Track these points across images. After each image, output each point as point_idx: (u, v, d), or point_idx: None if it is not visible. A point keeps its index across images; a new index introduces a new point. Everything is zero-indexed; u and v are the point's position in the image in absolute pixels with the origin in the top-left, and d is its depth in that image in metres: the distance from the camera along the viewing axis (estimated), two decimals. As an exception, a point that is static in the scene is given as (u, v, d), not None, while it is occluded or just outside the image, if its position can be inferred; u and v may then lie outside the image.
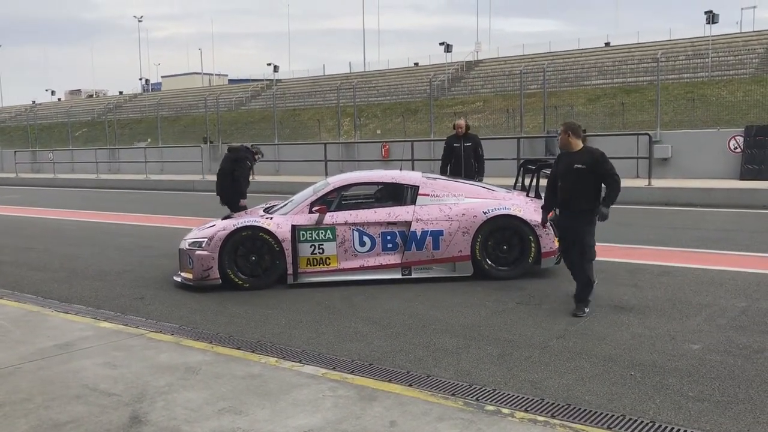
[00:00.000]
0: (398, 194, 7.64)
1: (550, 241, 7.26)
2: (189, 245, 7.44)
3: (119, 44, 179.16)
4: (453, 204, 7.46)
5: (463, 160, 10.95)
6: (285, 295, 6.98)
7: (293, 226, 7.29)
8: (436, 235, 7.31)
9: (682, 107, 31.08)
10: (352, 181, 7.91)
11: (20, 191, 25.15)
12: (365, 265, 7.36)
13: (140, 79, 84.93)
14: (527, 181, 8.55)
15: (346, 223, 7.33)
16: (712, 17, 42.58)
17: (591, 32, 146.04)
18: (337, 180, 7.97)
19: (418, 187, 7.58)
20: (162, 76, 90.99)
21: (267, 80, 62.35)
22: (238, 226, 7.27)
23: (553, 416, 3.71)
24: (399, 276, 7.35)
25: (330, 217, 7.37)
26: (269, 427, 3.60)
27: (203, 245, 7.27)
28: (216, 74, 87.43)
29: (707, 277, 7.17)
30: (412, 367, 4.66)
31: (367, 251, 7.38)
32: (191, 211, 15.39)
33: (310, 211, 7.42)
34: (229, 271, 7.21)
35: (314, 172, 21.46)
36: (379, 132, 38.72)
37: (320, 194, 7.64)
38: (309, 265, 7.34)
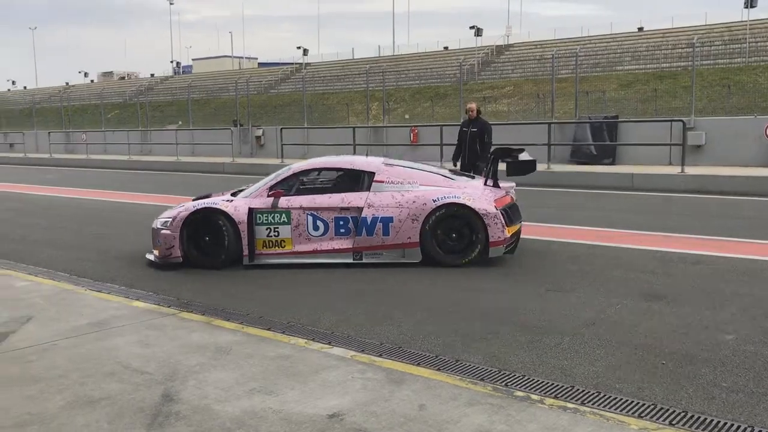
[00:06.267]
0: (356, 180, 7.73)
1: (498, 231, 7.22)
2: (159, 225, 7.73)
3: (151, 27, 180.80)
4: (406, 191, 7.48)
5: (467, 145, 10.83)
6: (316, 279, 7.02)
7: (250, 209, 7.51)
8: (386, 221, 7.36)
9: (716, 93, 30.51)
10: (312, 167, 8.16)
11: (54, 171, 25.57)
12: (318, 248, 7.53)
13: (171, 61, 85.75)
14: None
15: (300, 208, 7.51)
16: (750, 1, 41.56)
17: (624, 17, 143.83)
18: (297, 165, 8.17)
19: (374, 173, 7.66)
20: (193, 59, 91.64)
21: (296, 64, 62.49)
22: (198, 207, 7.61)
23: (583, 403, 3.68)
24: (350, 260, 7.47)
25: (286, 201, 7.56)
26: (299, 407, 3.63)
27: (167, 225, 7.60)
28: (246, 57, 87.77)
29: (741, 267, 7.04)
30: (440, 352, 4.66)
31: (321, 235, 7.52)
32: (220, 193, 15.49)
33: (268, 195, 7.62)
34: (187, 250, 7.55)
35: (343, 156, 21.46)
36: (407, 116, 38.62)
37: (279, 178, 7.84)
38: (265, 247, 7.56)
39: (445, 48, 61.37)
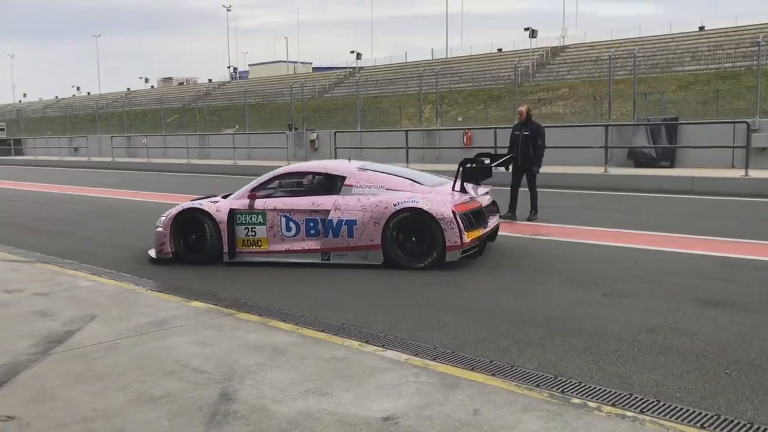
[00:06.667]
0: (330, 184, 8.06)
1: (454, 235, 7.26)
2: (157, 224, 8.43)
3: (210, 33, 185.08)
4: (372, 195, 7.69)
5: (520, 149, 10.72)
6: (369, 282, 7.05)
7: (231, 210, 8.02)
8: (351, 223, 7.59)
9: (783, 94, 29.43)
10: (292, 171, 8.67)
11: (117, 175, 26.35)
12: (291, 248, 7.89)
13: (228, 67, 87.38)
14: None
15: (275, 209, 7.93)
16: (819, -2, 39.97)
17: (684, 16, 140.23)
18: (280, 169, 8.64)
19: (345, 177, 7.93)
20: (249, 65, 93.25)
21: (350, 68, 62.94)
22: (184, 208, 8.28)
23: (642, 412, 3.60)
24: (319, 261, 7.76)
25: (263, 203, 8.00)
26: (354, 410, 3.65)
27: (162, 223, 8.31)
28: (301, 62, 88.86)
29: (810, 274, 6.78)
30: (495, 357, 4.62)
31: (293, 236, 7.89)
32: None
33: (247, 197, 8.12)
34: (176, 247, 8.21)
35: (395, 160, 21.51)
36: (460, 119, 38.48)
37: (261, 181, 8.33)
38: (244, 246, 8.06)
39: (499, 50, 60.87)
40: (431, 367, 4.29)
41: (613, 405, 3.69)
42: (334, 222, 7.64)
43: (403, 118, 38.54)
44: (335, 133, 25.04)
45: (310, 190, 8.21)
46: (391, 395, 3.83)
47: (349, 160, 8.84)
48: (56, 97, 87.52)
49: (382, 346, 4.74)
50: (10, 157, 42.71)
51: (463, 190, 7.97)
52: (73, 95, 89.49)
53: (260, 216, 7.95)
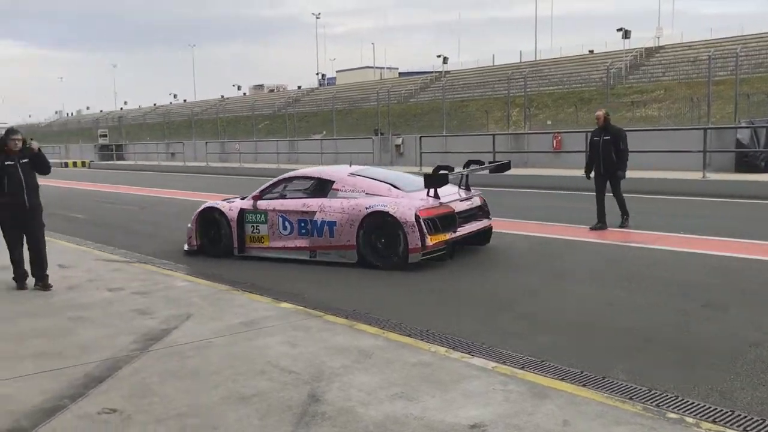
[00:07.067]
0: (322, 187, 8.68)
1: (416, 239, 7.62)
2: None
3: (299, 41, 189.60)
4: (353, 198, 8.24)
5: (601, 155, 10.33)
6: (452, 288, 7.02)
7: (241, 210, 8.91)
8: (331, 224, 8.19)
9: None
10: (293, 175, 9.40)
11: (206, 179, 27.27)
12: (286, 245, 8.61)
13: (317, 73, 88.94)
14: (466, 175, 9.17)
15: (274, 210, 8.73)
16: None
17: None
18: (285, 174, 9.42)
19: (334, 182, 8.54)
20: (336, 71, 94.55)
21: (436, 72, 62.85)
22: (204, 207, 9.29)
23: (745, 431, 3.41)
24: (308, 258, 8.38)
25: (265, 204, 8.81)
26: (441, 416, 3.63)
27: (191, 220, 9.30)
28: (387, 68, 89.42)
29: None
30: (585, 367, 4.48)
31: (288, 234, 8.62)
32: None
33: (252, 198, 8.93)
34: (201, 241, 9.19)
35: (482, 164, 21.26)
36: (549, 122, 37.73)
37: (268, 184, 9.17)
38: (251, 242, 8.92)
39: (590, 51, 59.35)
40: (519, 376, 4.21)
41: (714, 422, 3.51)
42: (318, 222, 8.28)
43: (490, 122, 38.16)
44: (420, 137, 25.05)
45: (306, 193, 8.95)
46: (478, 403, 3.78)
47: (350, 164, 9.41)
48: (154, 105, 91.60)
49: (469, 352, 4.70)
50: (111, 162, 45.03)
51: (435, 196, 8.16)
52: (170, 102, 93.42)
53: (263, 215, 8.77)
